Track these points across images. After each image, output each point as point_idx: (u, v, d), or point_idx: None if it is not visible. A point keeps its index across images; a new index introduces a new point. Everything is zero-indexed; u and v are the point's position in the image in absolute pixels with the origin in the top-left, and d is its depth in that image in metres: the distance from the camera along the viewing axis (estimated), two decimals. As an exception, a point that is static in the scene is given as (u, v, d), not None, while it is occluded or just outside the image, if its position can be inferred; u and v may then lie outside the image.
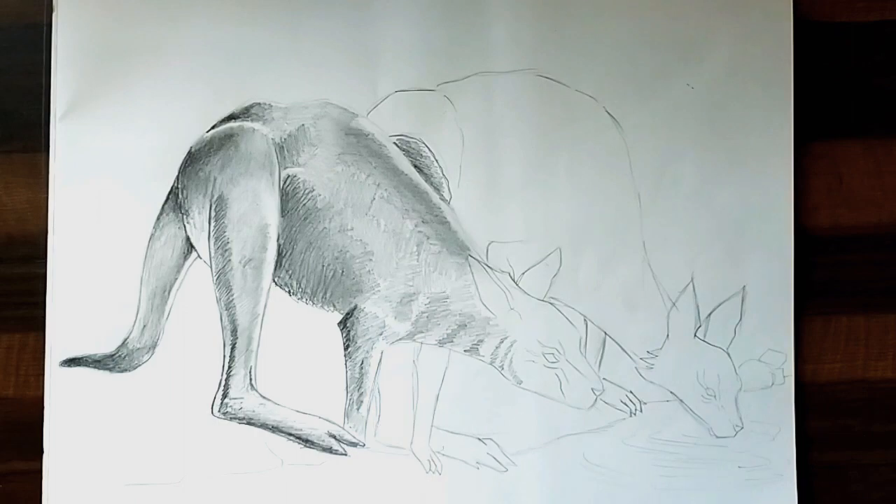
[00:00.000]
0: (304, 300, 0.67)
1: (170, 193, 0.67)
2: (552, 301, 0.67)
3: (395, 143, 0.67)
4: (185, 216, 0.67)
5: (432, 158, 0.67)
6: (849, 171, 0.69)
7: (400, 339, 0.67)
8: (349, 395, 0.66)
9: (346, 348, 0.67)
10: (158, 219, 0.67)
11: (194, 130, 0.67)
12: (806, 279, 0.68)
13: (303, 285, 0.67)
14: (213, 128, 0.67)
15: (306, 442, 0.66)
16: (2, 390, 0.67)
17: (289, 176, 0.67)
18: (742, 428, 0.67)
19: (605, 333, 0.67)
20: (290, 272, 0.67)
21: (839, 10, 0.69)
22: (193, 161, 0.67)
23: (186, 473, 0.66)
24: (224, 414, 0.66)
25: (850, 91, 0.69)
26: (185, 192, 0.67)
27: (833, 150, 0.69)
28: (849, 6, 0.69)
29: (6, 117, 0.67)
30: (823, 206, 0.69)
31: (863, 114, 0.69)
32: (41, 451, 0.66)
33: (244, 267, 0.66)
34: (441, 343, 0.67)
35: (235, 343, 0.66)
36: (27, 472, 0.66)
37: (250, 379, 0.66)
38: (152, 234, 0.67)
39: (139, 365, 0.66)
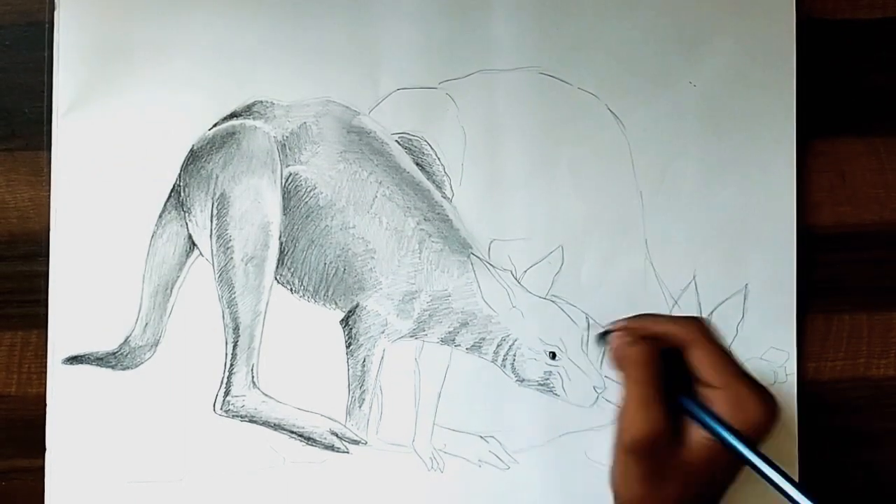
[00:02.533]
0: (305, 298, 0.67)
1: (172, 191, 0.67)
2: (554, 299, 0.67)
3: (396, 141, 0.67)
4: (186, 214, 0.67)
5: (434, 156, 0.67)
6: (851, 169, 0.69)
7: (402, 337, 0.67)
8: (351, 392, 0.66)
9: (347, 346, 0.67)
10: (160, 216, 0.67)
11: (196, 128, 0.67)
12: (808, 277, 0.68)
13: (305, 283, 0.67)
14: (214, 125, 0.67)
15: (308, 440, 0.66)
16: (4, 388, 0.67)
17: (291, 174, 0.67)
18: (744, 426, 0.66)
19: (607, 331, 0.67)
20: (291, 270, 0.67)
21: (842, 8, 0.69)
22: (195, 159, 0.67)
23: (188, 471, 0.66)
24: (226, 412, 0.66)
25: (853, 88, 0.69)
26: (186, 189, 0.67)
27: (836, 148, 0.69)
28: (852, 3, 0.69)
29: (8, 115, 0.67)
30: (826, 203, 0.69)
31: (866, 111, 0.69)
32: (43, 449, 0.66)
33: (246, 265, 0.66)
34: (443, 341, 0.67)
35: (237, 341, 0.66)
36: (29, 469, 0.66)
37: (252, 377, 0.66)
38: (154, 232, 0.67)
39: (141, 363, 0.66)
